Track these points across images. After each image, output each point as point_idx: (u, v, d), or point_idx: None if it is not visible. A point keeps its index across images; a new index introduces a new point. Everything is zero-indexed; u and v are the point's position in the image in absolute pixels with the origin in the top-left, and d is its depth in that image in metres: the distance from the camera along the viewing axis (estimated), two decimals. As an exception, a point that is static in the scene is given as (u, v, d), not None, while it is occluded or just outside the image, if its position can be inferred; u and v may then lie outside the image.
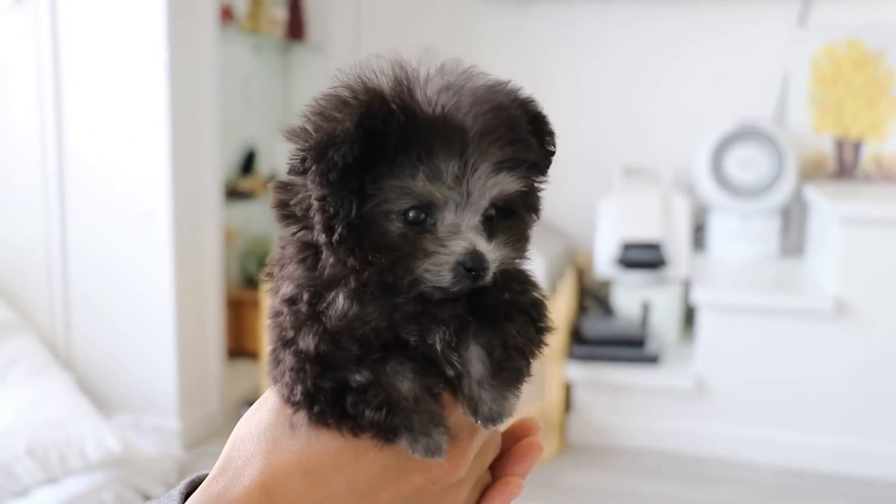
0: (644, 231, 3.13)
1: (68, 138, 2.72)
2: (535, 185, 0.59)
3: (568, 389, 2.97)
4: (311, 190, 0.52)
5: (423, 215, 0.53)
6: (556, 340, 2.80)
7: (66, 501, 2.20)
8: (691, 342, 3.00)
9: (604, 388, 2.92)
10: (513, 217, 0.57)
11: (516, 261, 0.57)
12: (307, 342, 0.52)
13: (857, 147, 3.24)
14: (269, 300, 0.57)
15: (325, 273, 0.53)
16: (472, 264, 0.52)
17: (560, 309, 2.84)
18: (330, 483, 0.53)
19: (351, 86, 0.53)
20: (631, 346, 2.94)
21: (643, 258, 3.11)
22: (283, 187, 0.55)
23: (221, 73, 2.92)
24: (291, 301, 0.54)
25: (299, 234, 0.54)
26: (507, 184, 0.54)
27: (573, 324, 3.06)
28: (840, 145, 3.26)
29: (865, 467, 2.69)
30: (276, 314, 0.55)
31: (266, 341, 0.57)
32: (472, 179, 0.53)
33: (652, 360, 2.91)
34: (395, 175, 0.51)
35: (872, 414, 2.70)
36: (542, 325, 0.57)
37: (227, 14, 3.15)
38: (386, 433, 0.52)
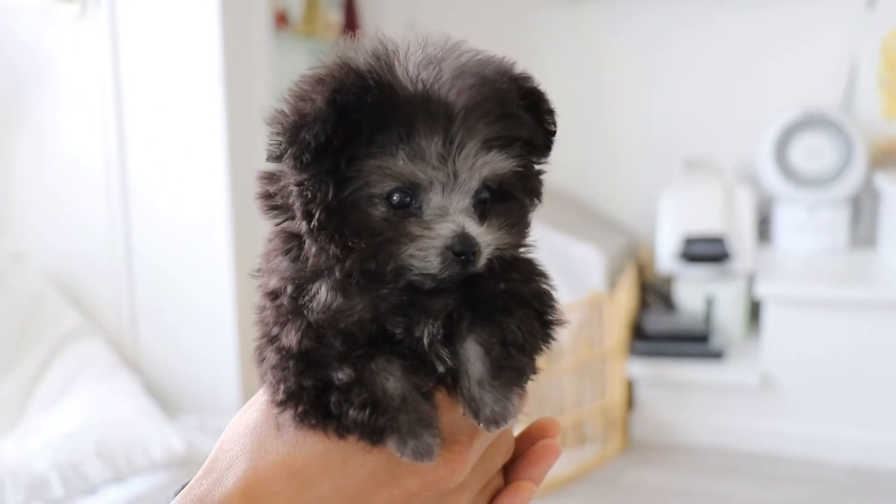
0: (706, 224, 3.08)
1: (129, 148, 2.79)
2: (534, 166, 0.55)
3: (630, 386, 2.94)
4: (290, 175, 0.50)
5: (407, 198, 0.50)
6: (617, 337, 2.78)
7: (132, 500, 2.25)
8: (757, 337, 2.93)
9: (667, 385, 2.88)
10: (510, 200, 0.53)
11: (512, 247, 0.53)
12: (290, 338, 0.50)
13: (929, 132, 3.13)
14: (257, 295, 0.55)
15: (309, 263, 0.50)
16: (461, 248, 0.49)
17: (621, 304, 2.81)
18: (316, 487, 0.50)
19: (328, 65, 0.51)
20: (694, 342, 2.89)
21: (706, 252, 3.05)
22: (268, 177, 0.53)
23: (277, 78, 2.96)
24: (274, 295, 0.52)
25: (284, 225, 0.53)
26: (498, 163, 0.51)
27: (635, 320, 3.02)
28: (912, 131, 3.15)
29: (942, 464, 2.60)
30: (261, 309, 0.53)
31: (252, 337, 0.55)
32: (459, 158, 0.49)
33: (716, 355, 2.85)
34: (374, 155, 0.49)
35: (949, 409, 2.62)
36: (548, 317, 0.54)
37: (281, 19, 3.20)
38: (371, 434, 0.49)
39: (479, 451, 0.54)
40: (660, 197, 3.22)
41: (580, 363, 2.71)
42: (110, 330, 2.90)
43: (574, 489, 2.56)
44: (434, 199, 0.50)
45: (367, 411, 0.48)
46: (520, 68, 0.54)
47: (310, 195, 0.49)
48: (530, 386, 0.55)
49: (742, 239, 3.07)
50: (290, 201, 0.51)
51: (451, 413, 0.52)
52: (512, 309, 0.52)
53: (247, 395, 2.79)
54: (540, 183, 0.56)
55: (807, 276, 2.90)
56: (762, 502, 2.46)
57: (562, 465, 2.63)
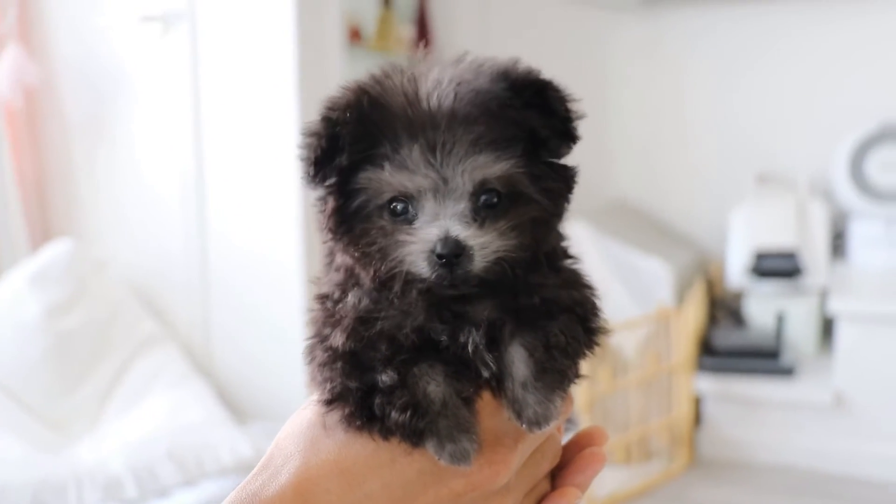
0: (778, 239, 3.03)
1: (206, 162, 2.85)
2: (550, 164, 0.54)
3: (697, 402, 2.90)
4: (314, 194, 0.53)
5: (405, 206, 0.51)
6: (685, 352, 2.75)
7: (202, 503, 2.32)
8: (829, 354, 2.87)
9: (735, 401, 2.84)
10: (523, 204, 0.53)
11: (520, 248, 0.52)
12: (336, 339, 0.52)
13: None
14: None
15: (342, 272, 0.54)
16: (443, 251, 0.50)
17: (689, 319, 2.78)
18: (365, 485, 0.52)
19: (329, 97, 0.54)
20: (764, 358, 2.84)
21: (777, 267, 3.01)
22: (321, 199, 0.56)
23: None
24: (323, 299, 0.55)
25: (328, 242, 0.56)
26: (491, 166, 0.51)
27: (703, 335, 2.98)
28: None
29: None
30: (310, 310, 0.56)
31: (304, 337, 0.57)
32: (448, 164, 0.50)
33: (787, 372, 2.80)
34: (368, 168, 0.51)
35: None
36: (591, 324, 0.55)
37: (355, 34, 3.26)
38: (412, 436, 0.51)
39: (524, 454, 0.55)
40: (732, 211, 3.19)
41: (647, 378, 2.68)
42: (184, 338, 2.98)
43: None
44: (428, 206, 0.51)
45: (409, 414, 0.50)
46: (523, 65, 0.53)
47: (322, 208, 0.53)
48: (582, 392, 0.56)
49: (815, 254, 3.01)
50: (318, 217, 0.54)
51: (496, 416, 0.53)
52: (554, 314, 0.53)
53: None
54: (566, 180, 0.55)
55: (882, 293, 2.82)
56: None
57: (627, 481, 2.62)
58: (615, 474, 2.63)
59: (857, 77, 3.28)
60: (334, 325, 0.53)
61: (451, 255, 0.50)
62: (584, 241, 2.95)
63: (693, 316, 2.84)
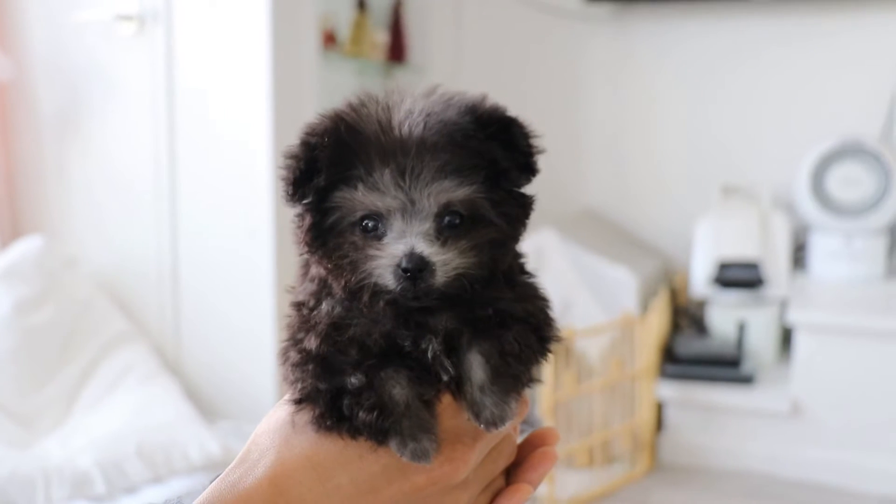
0: (741, 250, 3.11)
1: (179, 161, 2.87)
2: (510, 193, 0.59)
3: (659, 408, 2.96)
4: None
5: (375, 224, 0.56)
6: (648, 358, 2.82)
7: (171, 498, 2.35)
8: (788, 363, 2.95)
9: (696, 408, 2.91)
10: (483, 226, 0.57)
11: (478, 266, 0.57)
12: (310, 342, 0.57)
13: (968, 164, 3.13)
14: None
15: (315, 282, 0.58)
16: (408, 265, 0.54)
17: (652, 327, 2.85)
18: (335, 478, 0.56)
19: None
20: (725, 366, 2.91)
21: (740, 277, 3.08)
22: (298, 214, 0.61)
23: (324, 96, 3.02)
24: (298, 306, 0.60)
25: (303, 255, 0.60)
26: (454, 191, 0.56)
27: (666, 342, 3.05)
28: (950, 162, 3.16)
29: (972, 497, 2.60)
30: (289, 317, 0.61)
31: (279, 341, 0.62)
32: (415, 187, 0.55)
33: (747, 380, 2.88)
34: (342, 189, 0.55)
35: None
36: (544, 333, 0.60)
37: (329, 39, 3.29)
38: (377, 435, 0.55)
39: (482, 452, 0.60)
40: (696, 222, 3.26)
41: (610, 383, 2.75)
42: (154, 336, 2.98)
43: None
44: (396, 225, 0.56)
45: (375, 414, 0.55)
46: (490, 102, 0.58)
47: (299, 224, 0.57)
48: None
49: (777, 265, 3.09)
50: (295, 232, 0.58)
51: (456, 417, 0.58)
52: (509, 324, 0.58)
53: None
54: (522, 206, 0.60)
55: (840, 305, 2.91)
56: None
57: (589, 484, 2.68)
58: (578, 477, 2.69)
59: (820, 95, 3.37)
60: (308, 330, 0.58)
61: (416, 269, 0.54)
62: (552, 248, 3.01)
63: (657, 323, 2.91)
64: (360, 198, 0.55)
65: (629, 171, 3.69)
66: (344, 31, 3.51)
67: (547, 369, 2.55)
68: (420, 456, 0.55)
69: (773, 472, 2.81)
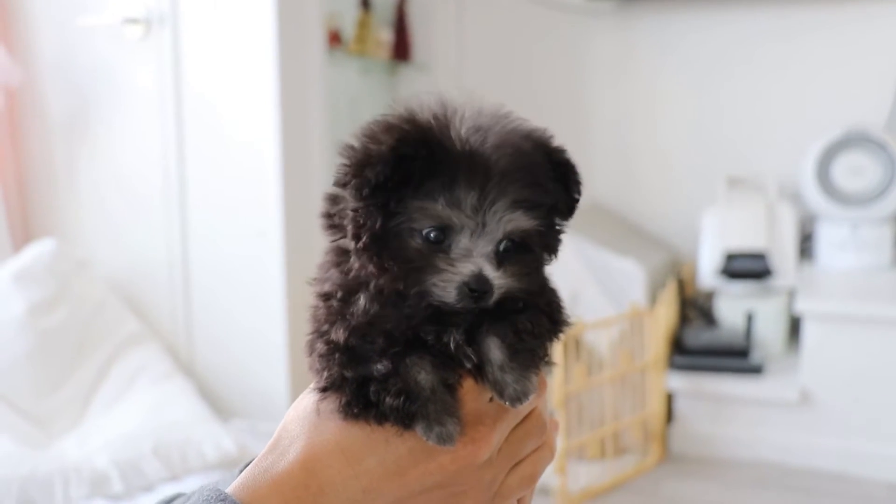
0: (748, 241, 3.14)
1: (188, 162, 2.89)
2: (555, 226, 0.64)
3: (669, 399, 3.00)
4: (349, 201, 0.59)
5: (440, 236, 0.58)
6: (657, 350, 2.85)
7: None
8: (796, 353, 2.98)
9: (706, 399, 2.94)
10: (528, 253, 0.62)
11: (523, 291, 0.61)
12: (338, 334, 0.59)
13: (973, 151, 3.16)
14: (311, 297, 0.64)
15: (351, 276, 0.60)
16: (476, 286, 0.58)
17: (661, 319, 2.88)
18: (363, 462, 0.59)
19: (399, 115, 0.60)
20: (734, 357, 2.94)
21: (747, 268, 3.12)
22: (331, 199, 0.62)
23: (330, 95, 3.06)
24: (327, 297, 0.61)
25: (339, 241, 0.62)
26: (522, 221, 0.60)
27: (675, 333, 3.08)
28: (955, 150, 3.18)
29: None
30: (315, 308, 0.62)
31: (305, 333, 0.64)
32: (489, 212, 0.58)
33: (756, 370, 2.91)
34: (419, 198, 0.58)
35: None
36: (557, 317, 0.63)
37: (334, 38, 3.32)
38: (404, 420, 0.58)
39: (504, 432, 0.63)
40: (703, 214, 3.29)
41: (620, 375, 2.78)
42: (167, 336, 3.00)
43: (612, 499, 2.63)
44: (462, 241, 0.59)
45: (402, 399, 0.58)
46: (556, 142, 0.63)
47: (361, 221, 0.58)
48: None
49: (784, 256, 3.13)
50: (345, 223, 0.60)
51: (476, 400, 0.61)
52: (522, 310, 0.61)
53: (295, 400, 2.89)
54: (558, 241, 0.64)
55: (848, 293, 2.94)
56: None
57: (601, 475, 2.71)
58: (589, 469, 2.72)
59: (825, 85, 3.40)
60: (336, 322, 0.60)
61: (481, 290, 0.58)
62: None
63: (665, 315, 2.94)
64: (439, 210, 0.58)
65: (635, 164, 3.72)
66: (349, 31, 3.54)
67: (557, 362, 2.58)
68: (445, 439, 0.58)
69: (783, 461, 2.84)
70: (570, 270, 3.02)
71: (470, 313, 0.59)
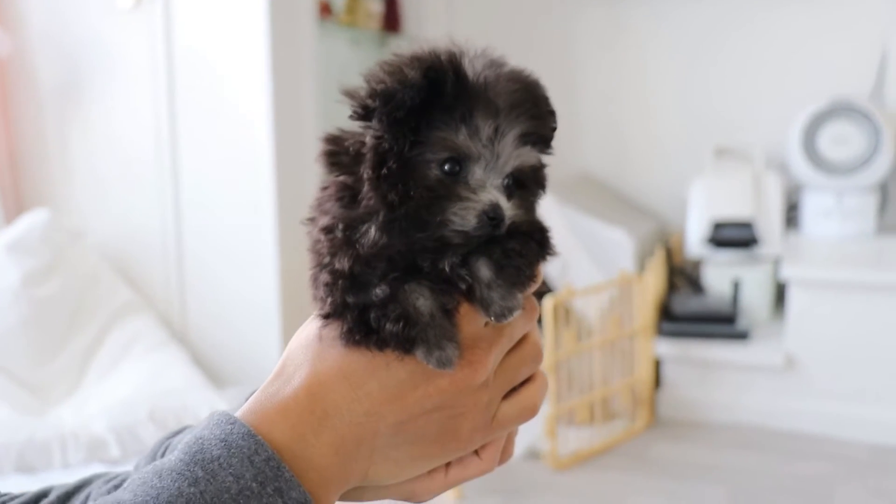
0: (735, 210, 3.18)
1: (180, 132, 2.90)
2: (543, 161, 0.66)
3: (657, 365, 3.05)
4: (370, 131, 0.61)
5: (457, 167, 0.60)
6: (645, 317, 2.90)
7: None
8: (781, 319, 3.03)
9: (693, 364, 2.99)
10: (524, 188, 0.64)
11: (525, 223, 0.64)
12: (342, 263, 0.60)
13: (957, 120, 3.20)
14: (309, 232, 0.65)
15: (361, 207, 0.61)
16: (494, 214, 0.60)
17: (649, 286, 2.92)
18: (365, 386, 0.61)
19: (417, 51, 0.62)
20: (721, 323, 2.99)
21: (734, 237, 3.16)
22: (332, 139, 0.64)
23: (321, 66, 3.05)
24: (328, 230, 0.62)
25: (341, 178, 0.63)
26: (528, 155, 0.63)
27: (663, 301, 3.13)
28: (939, 119, 3.22)
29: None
30: (315, 241, 0.63)
31: (307, 266, 0.65)
32: (502, 144, 0.61)
33: (742, 336, 2.96)
34: (439, 128, 0.60)
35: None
36: (544, 243, 0.65)
37: (325, 9, 3.32)
38: (404, 344, 0.59)
39: (499, 355, 0.64)
40: (691, 184, 3.33)
41: (609, 341, 2.83)
42: (161, 306, 3.04)
43: (602, 461, 2.69)
44: (477, 172, 0.61)
45: (401, 324, 0.59)
46: (535, 76, 0.65)
47: (387, 146, 0.59)
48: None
49: (770, 224, 3.17)
50: (359, 158, 0.61)
51: (472, 324, 0.62)
52: (513, 234, 0.63)
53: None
54: (546, 177, 0.67)
55: (832, 260, 2.99)
56: (784, 476, 2.56)
57: (591, 439, 2.76)
58: (579, 434, 2.77)
59: (811, 57, 3.43)
60: (340, 252, 0.61)
61: (500, 219, 0.60)
62: (551, 211, 3.08)
63: (653, 283, 2.98)
64: (460, 142, 0.60)
65: (624, 136, 3.75)
66: (339, 1, 3.54)
67: (547, 328, 2.63)
68: (445, 363, 0.60)
69: (768, 425, 2.90)
70: (560, 240, 3.05)
71: (470, 242, 0.61)
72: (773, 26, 3.47)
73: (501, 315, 0.61)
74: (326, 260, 0.62)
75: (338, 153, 0.63)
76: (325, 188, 0.64)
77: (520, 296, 0.62)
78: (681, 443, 2.82)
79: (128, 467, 0.74)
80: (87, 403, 2.60)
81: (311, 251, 0.64)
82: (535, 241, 0.64)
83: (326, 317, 0.62)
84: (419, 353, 0.60)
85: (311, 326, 0.64)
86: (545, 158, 0.66)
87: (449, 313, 0.61)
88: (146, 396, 2.56)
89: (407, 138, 0.60)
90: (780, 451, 2.73)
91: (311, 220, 0.65)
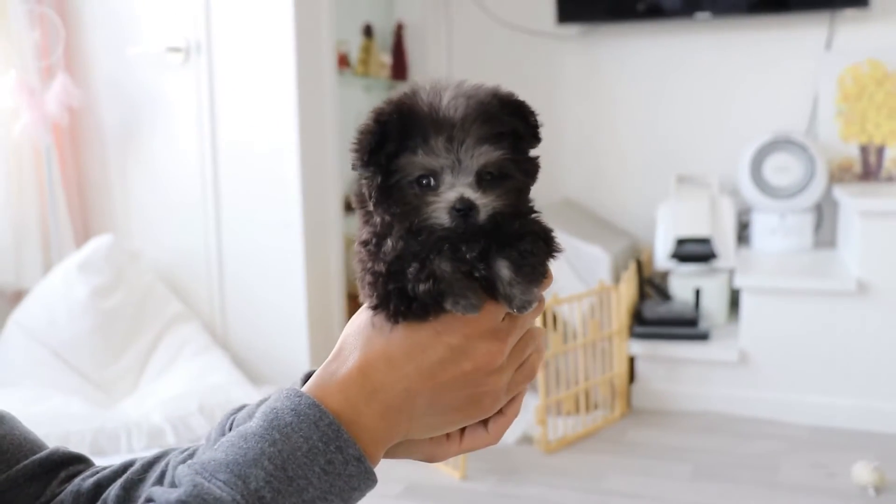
0: (696, 229, 3.25)
1: (221, 168, 2.97)
2: (527, 154, 0.69)
3: (632, 362, 3.09)
4: (362, 173, 0.67)
5: (430, 180, 0.64)
6: (621, 321, 2.93)
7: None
8: (736, 321, 3.08)
9: (662, 361, 3.04)
10: (508, 179, 0.67)
11: (507, 206, 0.66)
12: (378, 266, 0.66)
13: (880, 152, 3.30)
14: (357, 250, 0.70)
15: (378, 227, 0.67)
16: (460, 206, 0.63)
17: (624, 294, 2.96)
18: (404, 367, 0.65)
19: (385, 99, 0.67)
20: (685, 326, 3.03)
21: (695, 252, 3.23)
22: (358, 185, 0.70)
23: (340, 110, 3.11)
24: (365, 244, 0.68)
25: (363, 210, 0.69)
26: (489, 153, 0.65)
27: (635, 307, 3.17)
28: (865, 151, 3.31)
29: (886, 424, 2.76)
30: (358, 254, 0.69)
31: (354, 272, 0.71)
32: (461, 151, 0.64)
33: (703, 336, 3.01)
34: (405, 155, 0.64)
35: (891, 377, 2.78)
36: (551, 243, 0.69)
37: (343, 61, 3.39)
38: (436, 298, 0.63)
39: (513, 342, 0.69)
40: (657, 206, 3.39)
41: (590, 342, 2.87)
42: (205, 316, 3.09)
43: (586, 445, 2.74)
44: (447, 179, 0.65)
45: (431, 282, 0.63)
46: (506, 90, 0.69)
47: (370, 182, 0.66)
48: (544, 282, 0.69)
49: (725, 241, 3.24)
50: (364, 191, 0.68)
51: (494, 318, 0.67)
52: (524, 236, 0.67)
53: (316, 366, 2.98)
54: (533, 165, 0.70)
55: (778, 271, 3.05)
56: (739, 455, 2.62)
57: (575, 426, 2.80)
58: (565, 421, 2.81)
59: (756, 98, 3.52)
60: (375, 259, 0.66)
61: (465, 208, 0.64)
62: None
63: (627, 292, 3.03)
64: (420, 160, 0.63)
65: (600, 166, 3.82)
66: (354, 55, 3.62)
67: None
68: (471, 309, 0.63)
69: (725, 411, 2.96)
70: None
71: (479, 241, 0.65)
72: (722, 73, 3.56)
73: (522, 307, 0.65)
74: (368, 265, 0.67)
75: (361, 194, 0.69)
76: (360, 216, 0.71)
77: (536, 290, 0.66)
78: (652, 428, 2.87)
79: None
80: (146, 398, 2.70)
81: (357, 262, 0.69)
82: (543, 241, 0.67)
83: (375, 307, 0.66)
84: (448, 303, 0.62)
85: (363, 315, 0.68)
86: (533, 149, 0.69)
87: (469, 278, 0.65)
88: (195, 392, 2.66)
89: (379, 171, 0.65)
90: (735, 434, 2.79)
91: (357, 238, 0.71)
